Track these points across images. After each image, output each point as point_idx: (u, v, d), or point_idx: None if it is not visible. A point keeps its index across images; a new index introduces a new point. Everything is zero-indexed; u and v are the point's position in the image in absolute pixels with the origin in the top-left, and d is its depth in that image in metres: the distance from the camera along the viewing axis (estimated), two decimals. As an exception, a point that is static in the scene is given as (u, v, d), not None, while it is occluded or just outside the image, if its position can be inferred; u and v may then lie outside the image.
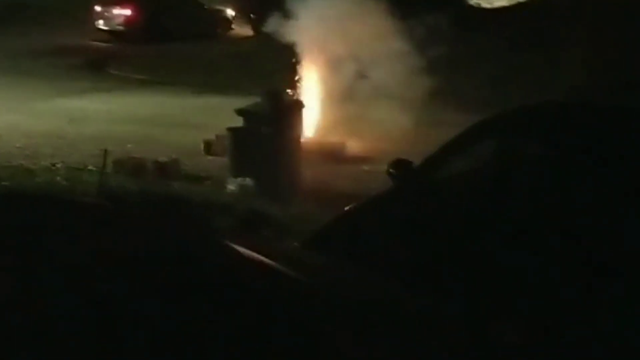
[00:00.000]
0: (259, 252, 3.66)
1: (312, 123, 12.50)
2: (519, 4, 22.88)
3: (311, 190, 10.28)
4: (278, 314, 3.18)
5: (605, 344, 4.73)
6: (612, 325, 4.80)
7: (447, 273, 5.16)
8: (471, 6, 21.68)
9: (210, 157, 12.23)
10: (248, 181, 9.91)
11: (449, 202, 5.71)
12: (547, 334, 4.68)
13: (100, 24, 27.35)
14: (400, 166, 6.07)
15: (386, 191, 6.13)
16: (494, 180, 5.88)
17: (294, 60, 12.90)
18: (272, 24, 13.05)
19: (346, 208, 6.38)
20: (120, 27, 27.07)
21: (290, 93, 12.14)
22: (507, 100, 13.32)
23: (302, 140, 11.66)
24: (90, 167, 11.56)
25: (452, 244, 5.33)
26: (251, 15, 28.41)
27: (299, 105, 10.86)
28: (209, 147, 12.40)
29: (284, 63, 20.32)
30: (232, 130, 10.28)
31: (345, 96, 12.59)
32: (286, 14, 12.72)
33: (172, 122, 15.38)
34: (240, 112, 10.38)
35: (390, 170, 6.09)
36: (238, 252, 3.54)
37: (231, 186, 10.10)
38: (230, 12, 29.57)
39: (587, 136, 5.64)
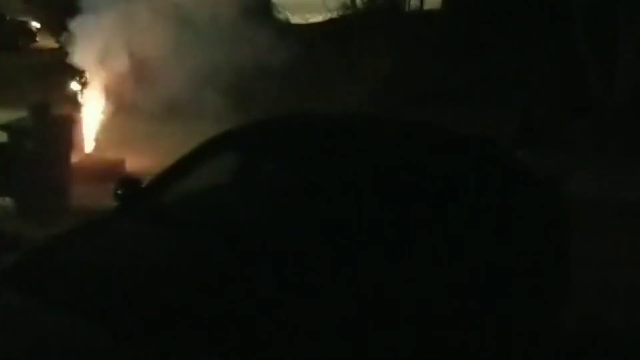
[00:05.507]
0: None
1: (91, 139, 11.81)
2: (331, 19, 22.94)
3: (81, 210, 9.57)
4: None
5: None
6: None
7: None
8: (280, 20, 21.66)
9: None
10: (7, 201, 9.16)
11: (180, 224, 4.86)
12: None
13: None
14: (127, 185, 5.42)
15: (110, 213, 5.40)
16: (235, 195, 5.44)
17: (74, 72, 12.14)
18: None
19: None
20: None
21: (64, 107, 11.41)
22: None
23: (78, 157, 10.99)
24: None
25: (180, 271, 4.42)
26: (58, 26, 27.36)
27: (69, 119, 10.09)
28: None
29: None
30: (-8, 146, 9.51)
31: (129, 111, 11.99)
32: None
33: None
34: (2, 127, 9.59)
35: (118, 190, 5.43)
36: None
37: (-12, 206, 9.33)
38: (34, 24, 28.40)
39: (332, 147, 5.24)
